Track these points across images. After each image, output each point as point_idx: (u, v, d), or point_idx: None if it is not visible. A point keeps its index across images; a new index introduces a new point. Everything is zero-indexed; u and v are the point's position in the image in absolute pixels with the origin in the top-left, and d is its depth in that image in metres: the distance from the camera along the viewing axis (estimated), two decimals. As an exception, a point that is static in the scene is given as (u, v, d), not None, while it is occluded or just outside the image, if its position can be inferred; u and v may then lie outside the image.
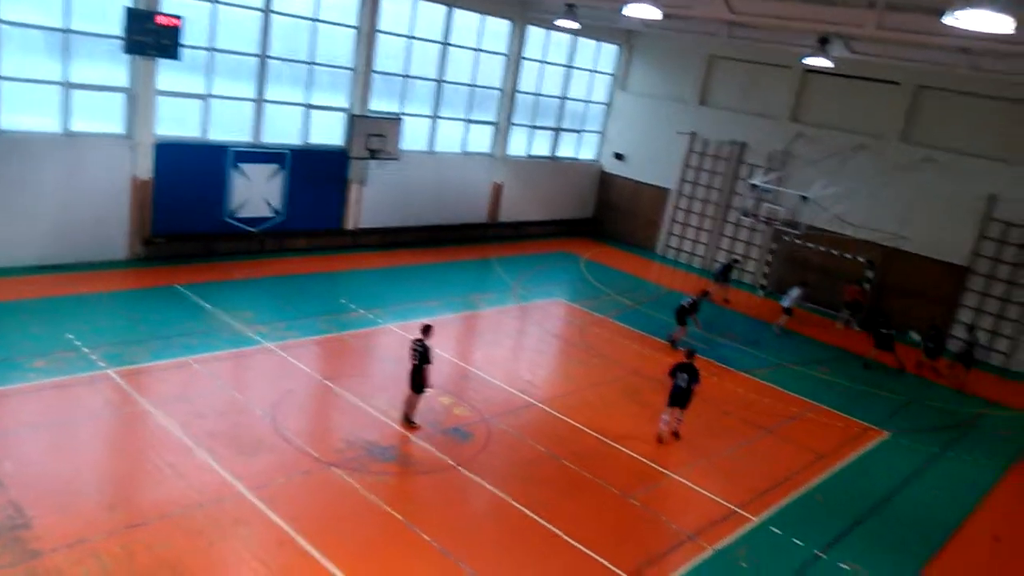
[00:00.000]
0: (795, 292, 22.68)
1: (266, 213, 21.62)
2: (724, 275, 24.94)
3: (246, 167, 20.86)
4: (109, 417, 12.27)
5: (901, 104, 24.46)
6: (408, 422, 13.25)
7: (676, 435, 14.49)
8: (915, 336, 22.05)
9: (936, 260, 23.77)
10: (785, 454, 14.83)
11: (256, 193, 21.25)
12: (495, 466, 12.53)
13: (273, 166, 21.46)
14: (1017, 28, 9.94)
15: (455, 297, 20.91)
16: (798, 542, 11.75)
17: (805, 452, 15.01)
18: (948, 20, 9.77)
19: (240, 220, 21.13)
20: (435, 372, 13.72)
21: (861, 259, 24.75)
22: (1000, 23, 9.49)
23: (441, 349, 15.09)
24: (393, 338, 17.17)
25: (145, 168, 18.87)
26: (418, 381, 13.13)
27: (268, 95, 21.02)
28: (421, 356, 13.06)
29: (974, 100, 23.03)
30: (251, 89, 20.67)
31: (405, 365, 13.36)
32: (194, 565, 9.09)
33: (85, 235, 18.28)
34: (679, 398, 14.17)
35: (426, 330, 13.30)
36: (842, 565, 11.39)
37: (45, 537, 9.06)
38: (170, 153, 19.27)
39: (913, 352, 21.50)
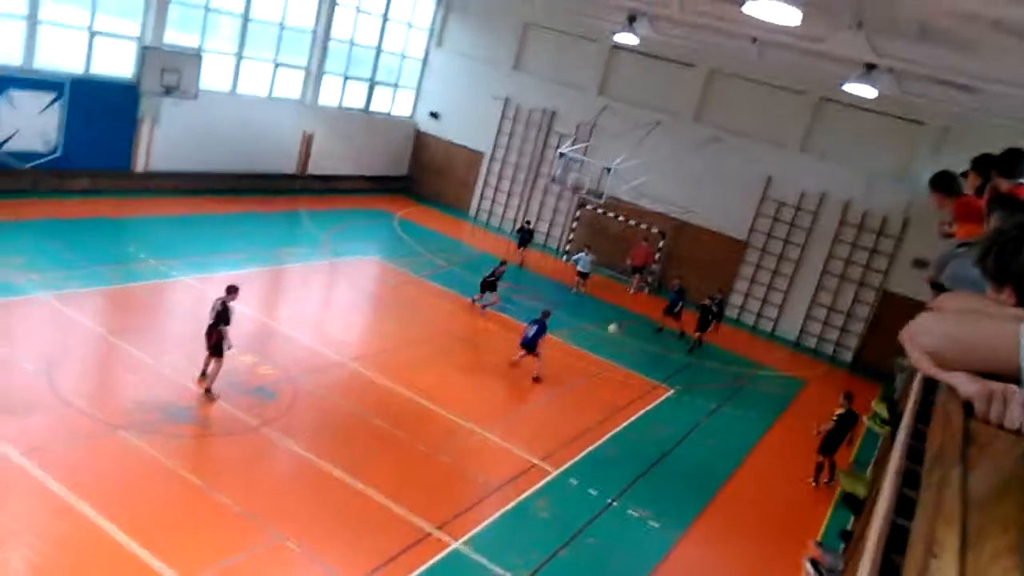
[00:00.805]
0: (583, 256, 24.04)
1: (40, 148, 19.25)
2: (523, 240, 25.79)
3: (15, 94, 18.39)
4: None
5: (696, 86, 26.29)
6: (207, 392, 12.25)
7: (536, 379, 16.09)
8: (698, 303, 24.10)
9: (719, 234, 26.02)
10: (582, 410, 15.72)
11: (27, 125, 18.83)
12: (301, 426, 12.20)
13: (48, 95, 19.09)
14: (803, 22, 11.01)
15: (260, 250, 19.90)
16: (592, 492, 12.55)
17: (600, 408, 16.01)
18: (746, 8, 10.62)
19: (8, 155, 18.65)
20: (239, 330, 13.03)
21: (655, 230, 26.55)
22: (789, 15, 10.46)
23: (245, 305, 14.34)
24: (189, 292, 16.07)
25: None
26: (216, 343, 12.21)
27: (43, 14, 18.58)
28: (219, 316, 12.15)
29: (758, 87, 25.25)
30: (22, 4, 18.15)
31: (202, 322, 12.56)
32: (-48, 541, 8.08)
33: None
34: (526, 344, 16.03)
35: (231, 290, 12.46)
36: (631, 512, 12.35)
37: None
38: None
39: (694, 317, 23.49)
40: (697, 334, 21.27)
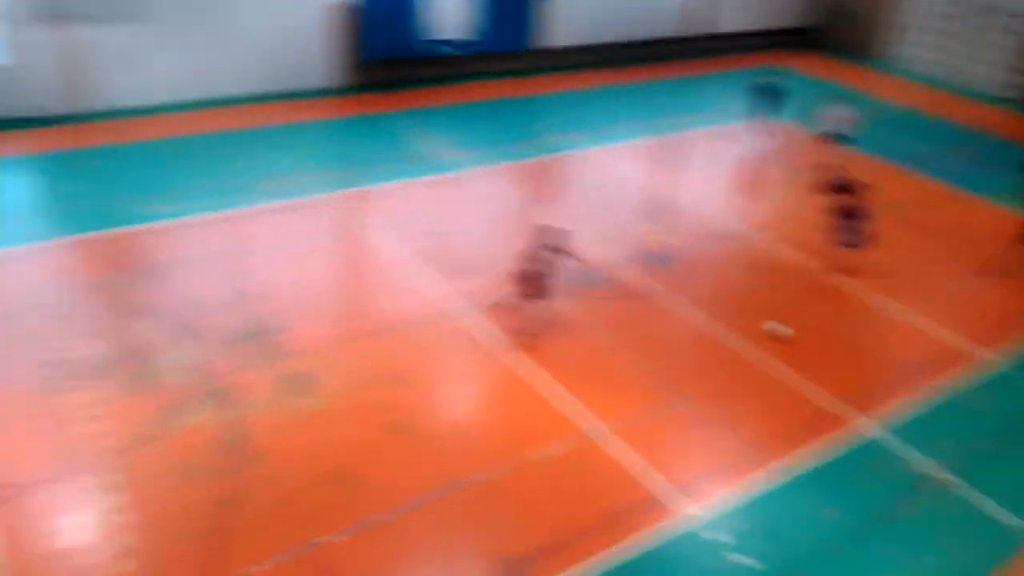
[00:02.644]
0: None
1: (466, 36, 21.26)
2: None
3: (441, -13, 20.35)
4: (334, 237, 13.24)
5: None
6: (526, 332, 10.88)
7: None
8: None
9: None
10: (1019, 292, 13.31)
11: (455, 15, 20.82)
12: (700, 293, 12.28)
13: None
14: None
15: (656, 119, 19.94)
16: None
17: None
18: None
19: (443, 43, 20.91)
20: (636, 199, 13.36)
21: None
22: None
23: (643, 174, 14.61)
24: (592, 163, 16.85)
25: (347, -6, 19.00)
26: (536, 287, 10.56)
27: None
28: (544, 261, 10.52)
29: None
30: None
31: (605, 190, 13.05)
32: (419, 372, 9.88)
33: (295, 65, 19.01)
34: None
35: (556, 249, 10.70)
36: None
37: (295, 341, 10.15)
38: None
39: None
40: None
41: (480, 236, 13.50)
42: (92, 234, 12.36)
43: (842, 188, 12.99)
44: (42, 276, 11.19)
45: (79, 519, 7.52)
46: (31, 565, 6.98)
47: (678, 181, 16.45)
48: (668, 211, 15.19)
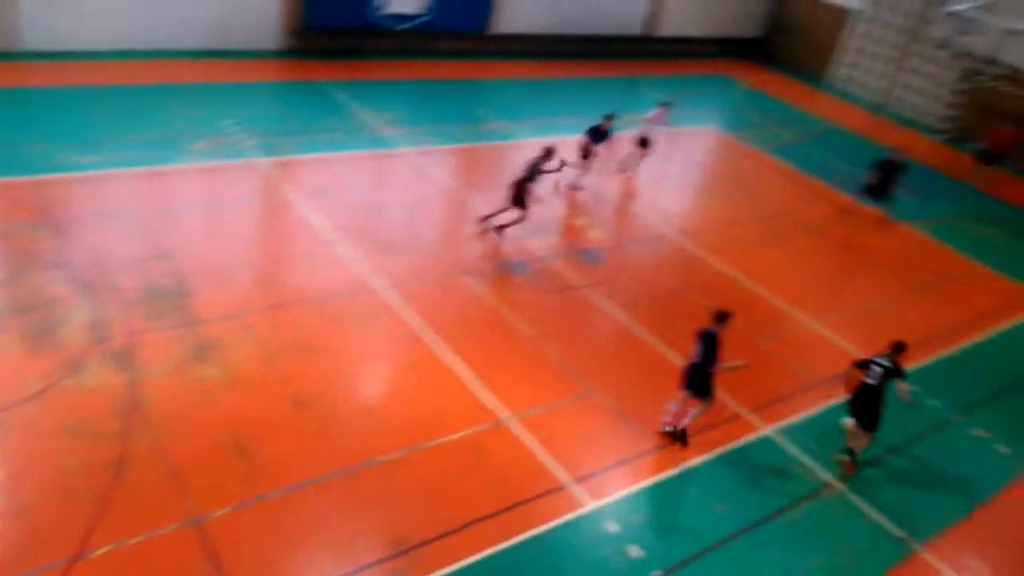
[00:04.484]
0: None
1: (415, 10, 20.96)
2: None
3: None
4: (260, 203, 12.91)
5: None
6: (498, 229, 12.95)
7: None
8: None
9: None
10: (935, 312, 13.86)
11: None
12: (623, 292, 12.42)
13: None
14: None
15: (599, 116, 20.01)
16: (933, 402, 11.21)
17: (958, 312, 13.99)
18: None
19: (393, 16, 20.58)
20: (572, 194, 13.45)
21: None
22: None
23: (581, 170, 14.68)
24: (528, 153, 16.79)
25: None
26: (518, 196, 12.72)
27: None
28: (530, 171, 12.70)
29: None
30: None
31: (540, 182, 13.11)
32: (331, 347, 9.72)
33: (240, 23, 18.46)
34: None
35: (548, 152, 12.88)
36: (975, 432, 10.86)
37: (205, 308, 9.87)
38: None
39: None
40: None
41: (410, 216, 13.35)
42: (3, 179, 11.78)
43: None
44: (-60, 218, 10.63)
45: (-48, 474, 7.18)
46: None
47: (613, 180, 16.57)
48: (602, 208, 15.31)
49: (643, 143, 16.27)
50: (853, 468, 9.52)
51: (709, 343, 8.87)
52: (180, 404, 8.38)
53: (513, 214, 12.87)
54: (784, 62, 28.46)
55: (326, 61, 19.31)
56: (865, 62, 26.44)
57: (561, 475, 8.54)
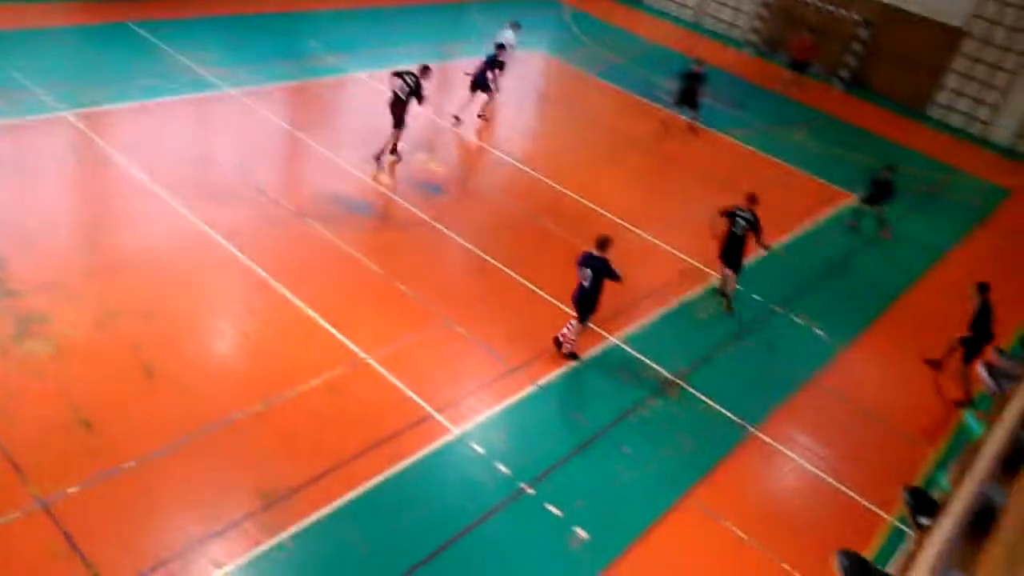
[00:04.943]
0: None
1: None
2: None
3: None
4: (72, 162, 11.88)
5: None
6: (392, 152, 13.52)
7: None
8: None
9: (931, 20, 22.68)
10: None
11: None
12: (468, 222, 12.58)
13: None
14: None
15: (428, 45, 19.74)
16: (756, 296, 12.33)
17: (774, 214, 15.21)
18: None
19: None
20: (410, 127, 13.32)
21: (856, 16, 23.53)
22: None
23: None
24: (362, 87, 16.41)
25: None
26: (400, 115, 13.06)
27: None
28: (412, 90, 12.90)
29: None
30: None
31: (375, 117, 12.89)
32: (171, 308, 9.29)
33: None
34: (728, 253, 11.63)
35: (424, 70, 13.14)
36: (796, 319, 12.06)
37: (21, 279, 9.10)
38: None
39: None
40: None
41: (241, 161, 12.75)
42: None
43: None
44: None
45: None
46: None
47: (449, 110, 16.49)
48: (439, 139, 15.27)
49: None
50: (729, 307, 11.74)
51: (603, 267, 9.45)
52: (11, 384, 7.79)
53: (394, 134, 13.26)
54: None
55: (127, 1, 17.70)
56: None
57: (425, 406, 8.75)
